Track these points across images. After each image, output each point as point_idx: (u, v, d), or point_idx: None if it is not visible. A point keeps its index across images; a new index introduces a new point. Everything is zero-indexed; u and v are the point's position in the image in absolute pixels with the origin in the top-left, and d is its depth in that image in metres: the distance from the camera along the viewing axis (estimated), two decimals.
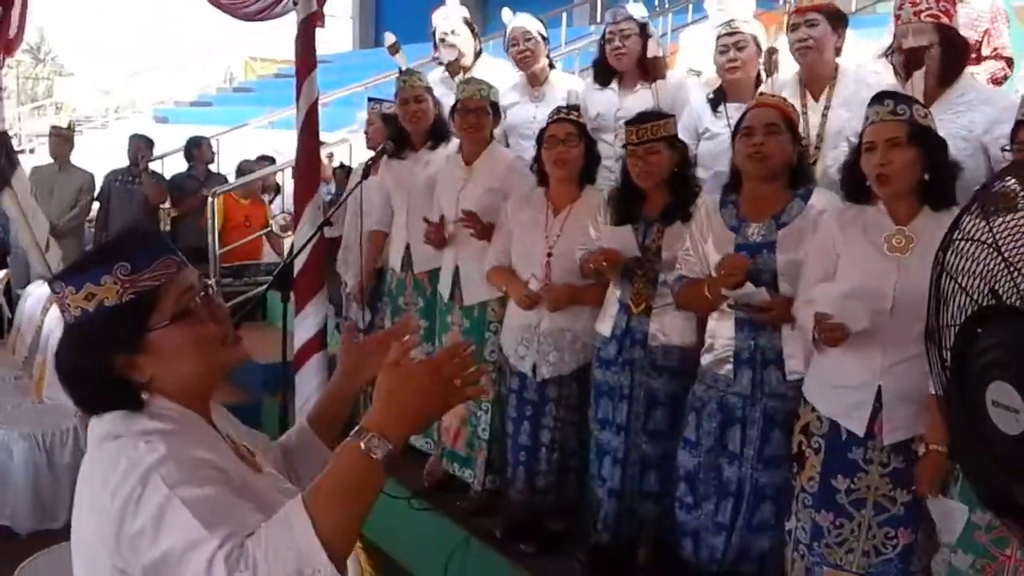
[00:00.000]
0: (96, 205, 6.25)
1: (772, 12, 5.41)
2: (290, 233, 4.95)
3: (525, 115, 3.66)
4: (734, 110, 2.87)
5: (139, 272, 1.16)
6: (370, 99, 4.27)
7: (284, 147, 5.98)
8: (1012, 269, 1.34)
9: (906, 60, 2.51)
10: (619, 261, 2.62)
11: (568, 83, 3.79)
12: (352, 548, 1.12)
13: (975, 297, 1.42)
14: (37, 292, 4.46)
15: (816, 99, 2.87)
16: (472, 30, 3.93)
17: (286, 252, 5.65)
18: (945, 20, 2.54)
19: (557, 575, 2.81)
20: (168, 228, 6.25)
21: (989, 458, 1.40)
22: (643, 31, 3.37)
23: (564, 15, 8.73)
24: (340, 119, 7.26)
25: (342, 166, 5.23)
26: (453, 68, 3.92)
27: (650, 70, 3.33)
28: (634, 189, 2.69)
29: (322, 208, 3.63)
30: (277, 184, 6.53)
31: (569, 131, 2.84)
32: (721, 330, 2.46)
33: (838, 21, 2.84)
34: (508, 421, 3.00)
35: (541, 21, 3.76)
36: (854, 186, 2.21)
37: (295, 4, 3.39)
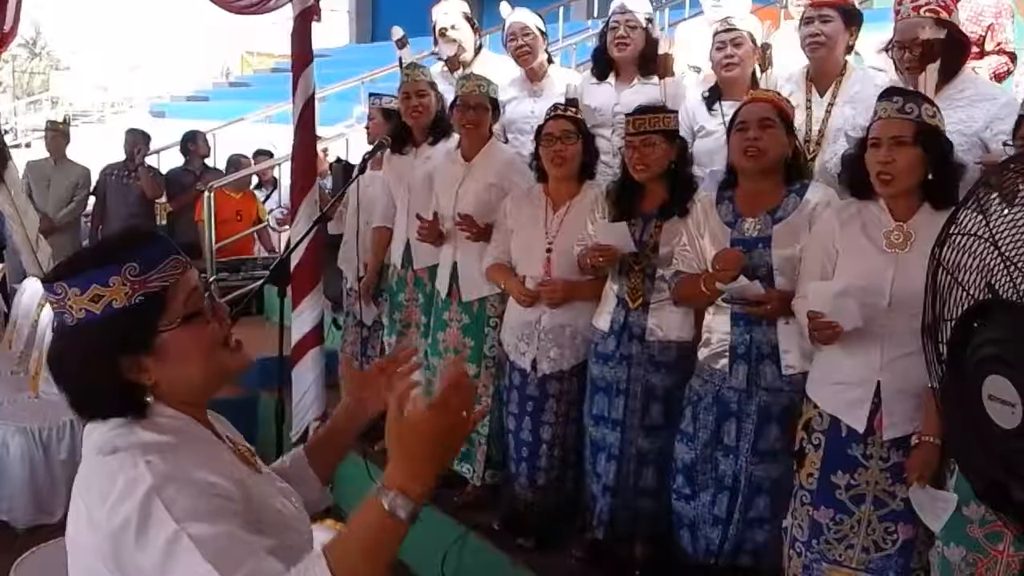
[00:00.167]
0: (92, 200, 6.23)
1: (768, 7, 5.43)
2: (287, 227, 4.94)
3: (524, 110, 3.65)
4: (729, 108, 2.86)
5: (148, 273, 1.13)
6: (371, 94, 4.26)
7: (281, 142, 5.97)
8: (1009, 264, 1.35)
9: (921, 53, 2.49)
10: (614, 257, 2.62)
11: (567, 78, 3.78)
12: None
13: (972, 292, 1.43)
14: (33, 287, 4.44)
15: (821, 95, 2.86)
16: (472, 25, 3.92)
17: (282, 247, 5.64)
18: (944, 15, 2.53)
19: (555, 570, 2.81)
20: (164, 223, 6.25)
21: (985, 452, 1.40)
22: (648, 26, 3.36)
23: (561, 9, 8.73)
24: (337, 113, 7.25)
25: (339, 160, 5.21)
26: (453, 63, 3.91)
27: (658, 68, 3.31)
28: (632, 183, 2.69)
29: (318, 203, 3.63)
30: (274, 179, 6.52)
31: (566, 128, 2.83)
32: (717, 325, 2.47)
33: (852, 19, 2.83)
34: (509, 417, 3.00)
35: (540, 16, 3.75)
36: (856, 180, 2.21)
37: None
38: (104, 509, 1.06)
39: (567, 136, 2.83)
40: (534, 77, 3.70)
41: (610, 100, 3.38)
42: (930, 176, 2.08)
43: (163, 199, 6.19)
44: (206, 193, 5.25)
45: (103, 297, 1.11)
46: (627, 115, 2.71)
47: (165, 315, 1.15)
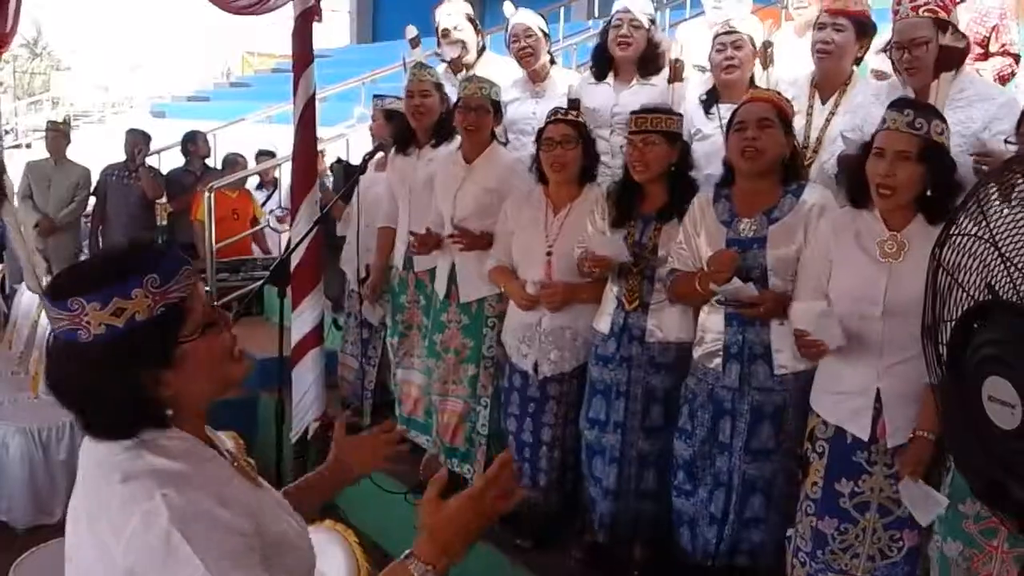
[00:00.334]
0: (92, 200, 6.23)
1: (770, 7, 5.43)
2: (286, 227, 4.94)
3: (526, 111, 3.65)
4: (726, 111, 2.85)
5: (167, 284, 1.12)
6: (375, 95, 4.26)
7: (281, 142, 5.97)
8: (1008, 265, 1.35)
9: (938, 60, 2.47)
10: (609, 266, 2.64)
11: (569, 79, 3.78)
12: None
13: (972, 293, 1.43)
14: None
15: (824, 102, 2.86)
16: (475, 26, 3.91)
17: (281, 247, 5.64)
18: (943, 15, 2.52)
19: (553, 571, 2.82)
20: (165, 223, 6.25)
21: (984, 452, 1.40)
22: (651, 28, 3.36)
23: (562, 10, 8.72)
24: (337, 114, 7.25)
25: (339, 161, 5.21)
26: (456, 65, 3.90)
27: (670, 73, 3.31)
28: (633, 185, 2.69)
29: (319, 203, 3.63)
30: (275, 179, 6.53)
31: (566, 133, 2.82)
32: (711, 324, 2.47)
33: (865, 31, 2.83)
34: (510, 419, 2.99)
35: (542, 17, 3.74)
36: (855, 187, 2.20)
37: None
38: (120, 544, 1.05)
39: (567, 141, 2.82)
40: (536, 78, 3.69)
41: (608, 101, 3.38)
42: (929, 192, 2.07)
43: (163, 199, 6.19)
44: (206, 194, 5.25)
45: (126, 310, 1.09)
46: (632, 113, 2.71)
47: (185, 326, 1.14)
